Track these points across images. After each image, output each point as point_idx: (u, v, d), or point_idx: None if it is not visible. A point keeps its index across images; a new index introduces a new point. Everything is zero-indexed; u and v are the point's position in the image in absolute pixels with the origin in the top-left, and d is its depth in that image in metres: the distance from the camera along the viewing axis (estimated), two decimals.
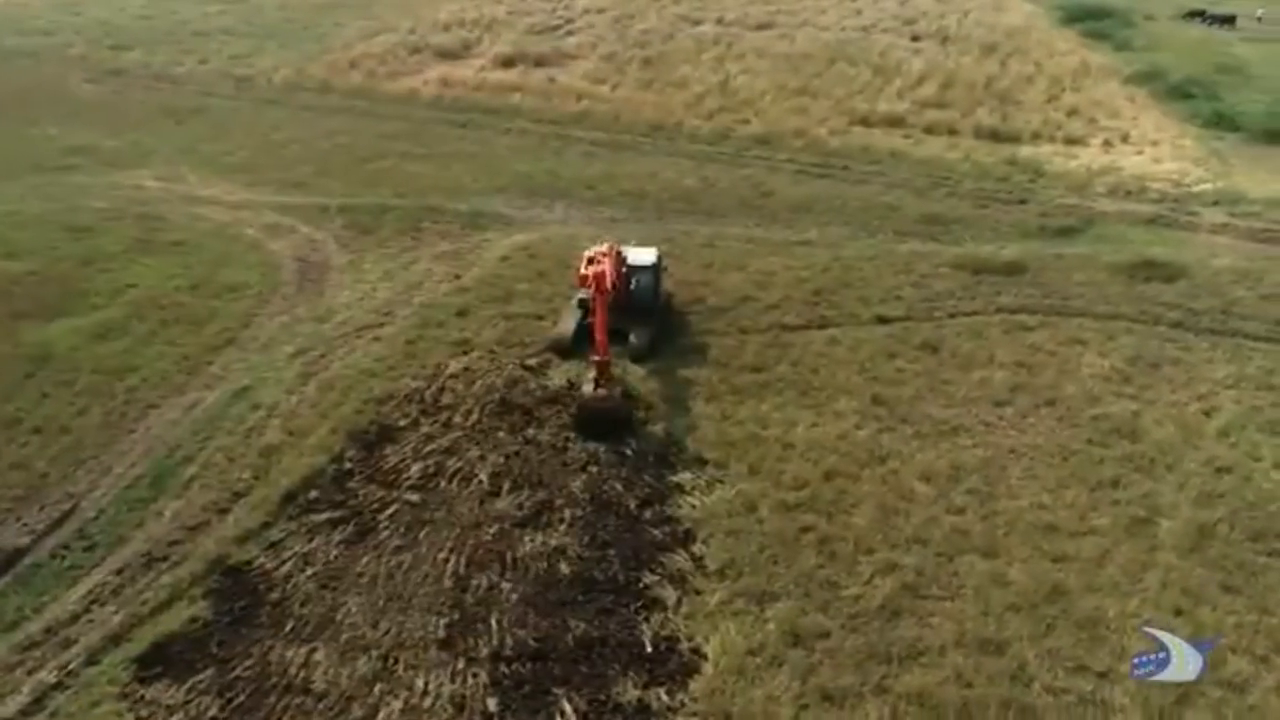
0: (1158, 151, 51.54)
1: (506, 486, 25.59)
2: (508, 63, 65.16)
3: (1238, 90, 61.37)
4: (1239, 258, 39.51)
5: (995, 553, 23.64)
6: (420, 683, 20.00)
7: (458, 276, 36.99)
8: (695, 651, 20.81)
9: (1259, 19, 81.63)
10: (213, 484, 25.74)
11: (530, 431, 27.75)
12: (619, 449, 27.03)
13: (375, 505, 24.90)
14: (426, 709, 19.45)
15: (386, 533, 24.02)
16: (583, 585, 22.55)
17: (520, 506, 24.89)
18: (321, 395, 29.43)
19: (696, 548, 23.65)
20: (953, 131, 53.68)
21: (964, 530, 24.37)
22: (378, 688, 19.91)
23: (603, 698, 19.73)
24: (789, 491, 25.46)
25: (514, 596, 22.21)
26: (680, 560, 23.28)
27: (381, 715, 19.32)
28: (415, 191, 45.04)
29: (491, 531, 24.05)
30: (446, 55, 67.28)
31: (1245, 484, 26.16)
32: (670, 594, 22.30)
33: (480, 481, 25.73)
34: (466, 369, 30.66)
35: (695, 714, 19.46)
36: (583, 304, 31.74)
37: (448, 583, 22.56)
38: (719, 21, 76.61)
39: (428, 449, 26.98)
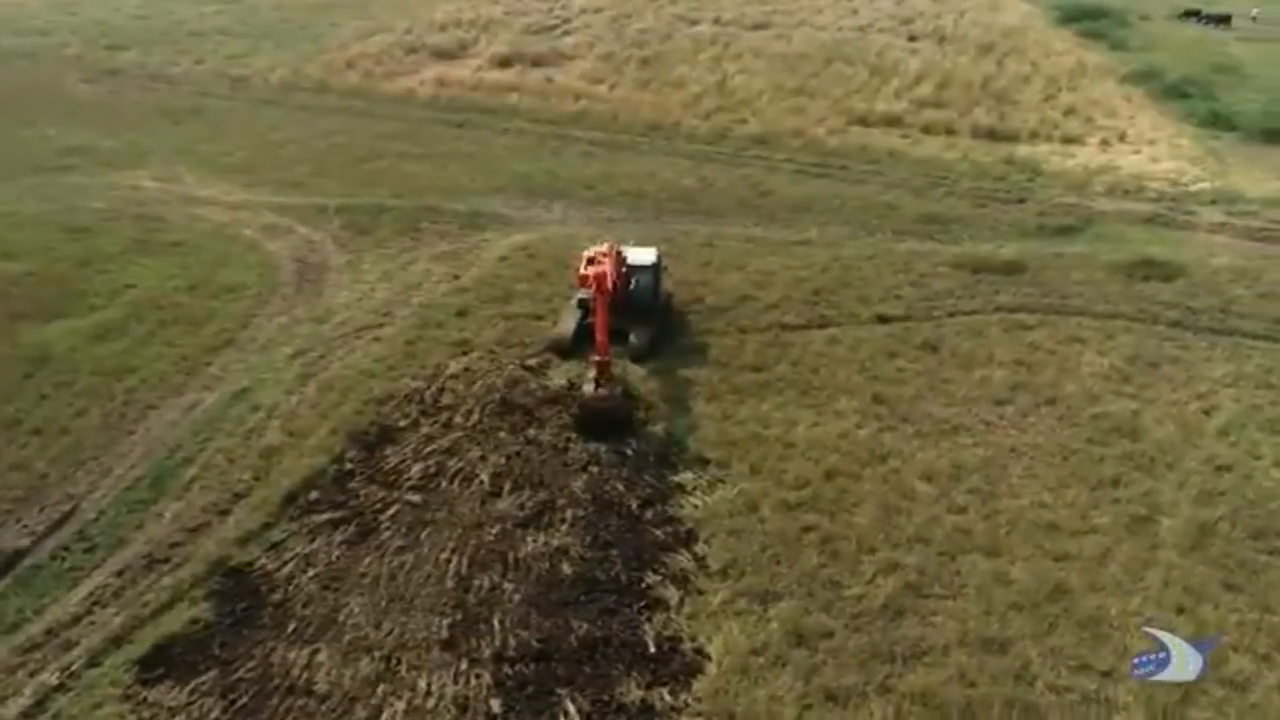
0: (1155, 151, 51.66)
1: (508, 487, 25.55)
2: (504, 63, 65.10)
3: (1234, 90, 61.53)
4: (1237, 256, 39.59)
5: (997, 552, 23.67)
6: (423, 684, 19.97)
7: (456, 277, 36.95)
8: (698, 651, 20.80)
9: (1254, 18, 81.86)
10: (213, 485, 25.67)
11: (531, 432, 27.71)
12: (620, 449, 27.00)
13: (376, 506, 24.86)
14: (430, 710, 19.42)
15: (388, 533, 23.98)
16: (585, 585, 22.53)
17: (522, 507, 24.86)
18: (321, 396, 29.37)
19: (699, 547, 23.65)
20: (950, 131, 53.74)
21: (966, 529, 24.39)
22: (381, 689, 19.88)
23: (606, 698, 19.71)
24: (791, 491, 25.45)
25: (516, 597, 22.18)
26: (683, 560, 23.27)
27: (385, 716, 19.29)
28: (413, 192, 44.97)
29: (493, 532, 24.02)
30: (443, 55, 67.19)
31: (1246, 482, 26.21)
32: (673, 594, 22.30)
33: (481, 482, 25.69)
34: (466, 369, 30.62)
35: (699, 714, 19.45)
36: (582, 304, 31.73)
37: (450, 583, 22.53)
38: (716, 21, 76.61)
39: (428, 449, 26.93)
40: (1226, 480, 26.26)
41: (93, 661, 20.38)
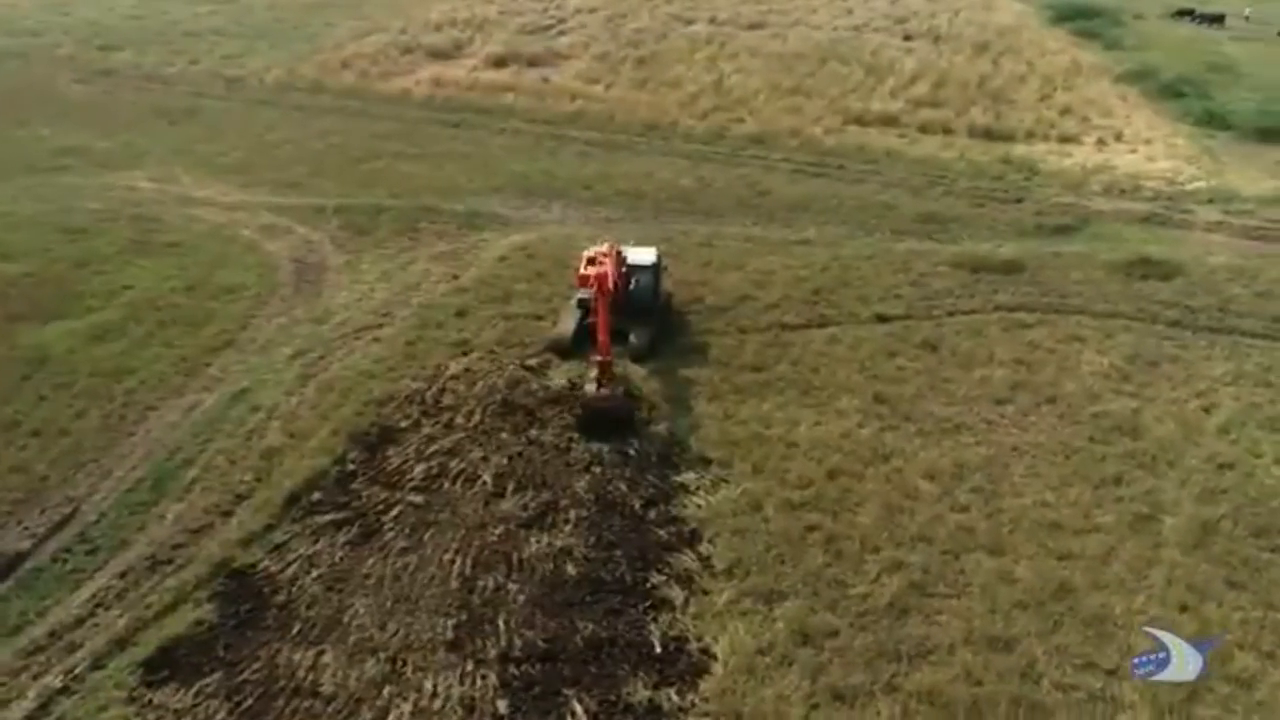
0: (1151, 150, 51.83)
1: (510, 487, 25.49)
2: (500, 63, 65.02)
3: (1228, 89, 61.71)
4: (1234, 255, 39.72)
5: (1001, 550, 23.69)
6: (429, 685, 19.91)
7: (456, 277, 36.88)
8: (704, 651, 20.77)
9: (1247, 18, 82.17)
10: (214, 486, 25.56)
11: (533, 432, 27.65)
12: (622, 449, 26.97)
13: (379, 507, 24.78)
14: (437, 711, 19.36)
15: (391, 534, 23.91)
16: (590, 586, 22.49)
17: (525, 507, 24.81)
18: (321, 397, 29.28)
19: (703, 547, 23.62)
20: (947, 130, 53.82)
21: (969, 528, 24.41)
22: (387, 690, 19.81)
23: (613, 698, 19.67)
24: (794, 490, 25.44)
25: (521, 598, 22.13)
26: (687, 560, 23.25)
27: (391, 717, 19.22)
28: (410, 192, 44.87)
29: (497, 533, 23.96)
30: (438, 55, 67.08)
31: (1247, 480, 26.28)
32: (678, 594, 22.27)
33: (484, 483, 25.62)
34: (467, 370, 30.56)
35: (707, 714, 19.43)
36: (582, 304, 31.69)
37: (454, 584, 22.47)
38: (711, 21, 76.64)
39: (430, 450, 26.86)
40: (1228, 478, 26.33)
41: (97, 664, 20.28)
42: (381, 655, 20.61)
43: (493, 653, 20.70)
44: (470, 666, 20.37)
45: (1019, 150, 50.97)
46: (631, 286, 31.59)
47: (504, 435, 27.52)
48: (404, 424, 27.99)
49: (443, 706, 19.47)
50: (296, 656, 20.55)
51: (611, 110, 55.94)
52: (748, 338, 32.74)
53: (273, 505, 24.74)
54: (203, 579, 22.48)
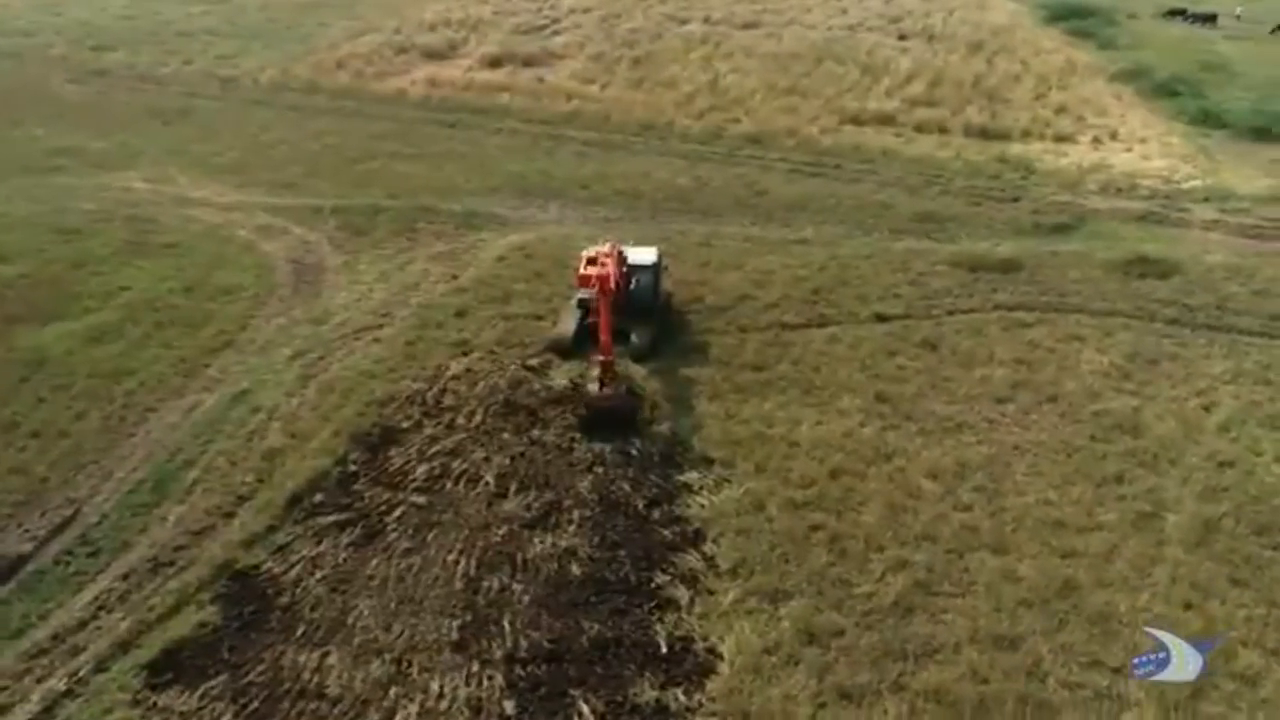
0: (1146, 149, 51.97)
1: (513, 488, 25.46)
2: (495, 63, 64.84)
3: (1222, 88, 61.89)
4: (1230, 254, 39.85)
5: (1005, 549, 23.73)
6: (436, 686, 19.88)
7: (455, 277, 36.79)
8: (711, 651, 20.78)
9: (1238, 17, 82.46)
10: (216, 488, 25.47)
11: (535, 432, 27.61)
12: (625, 449, 26.94)
13: (382, 508, 24.72)
14: (444, 712, 19.33)
15: (394, 535, 23.86)
16: (595, 586, 22.47)
17: (528, 508, 24.77)
18: (322, 398, 29.19)
19: (707, 547, 23.61)
20: (943, 130, 53.87)
21: (972, 527, 24.44)
22: (393, 691, 19.78)
23: (620, 699, 19.67)
24: (797, 490, 25.45)
25: (526, 598, 22.11)
26: (691, 560, 23.23)
27: (398, 719, 19.19)
28: (407, 192, 44.75)
29: (500, 533, 23.93)
30: (433, 55, 66.84)
31: (1248, 478, 26.36)
32: (683, 594, 22.26)
33: (487, 483, 25.58)
34: (468, 370, 30.49)
35: (714, 714, 19.43)
36: (582, 304, 31.65)
37: (459, 585, 22.43)
38: (706, 21, 76.54)
39: (432, 451, 26.81)
40: (1229, 476, 26.41)
41: (100, 667, 20.21)
42: (387, 656, 20.58)
43: (498, 653, 20.67)
44: (476, 667, 20.34)
45: (1015, 149, 51.05)
46: (632, 286, 31.53)
47: (506, 435, 27.47)
48: (405, 425, 27.93)
49: (449, 707, 19.44)
50: (301, 658, 20.50)
51: (608, 110, 55.86)
52: (748, 337, 32.73)
53: (275, 506, 24.68)
54: (206, 581, 22.41)
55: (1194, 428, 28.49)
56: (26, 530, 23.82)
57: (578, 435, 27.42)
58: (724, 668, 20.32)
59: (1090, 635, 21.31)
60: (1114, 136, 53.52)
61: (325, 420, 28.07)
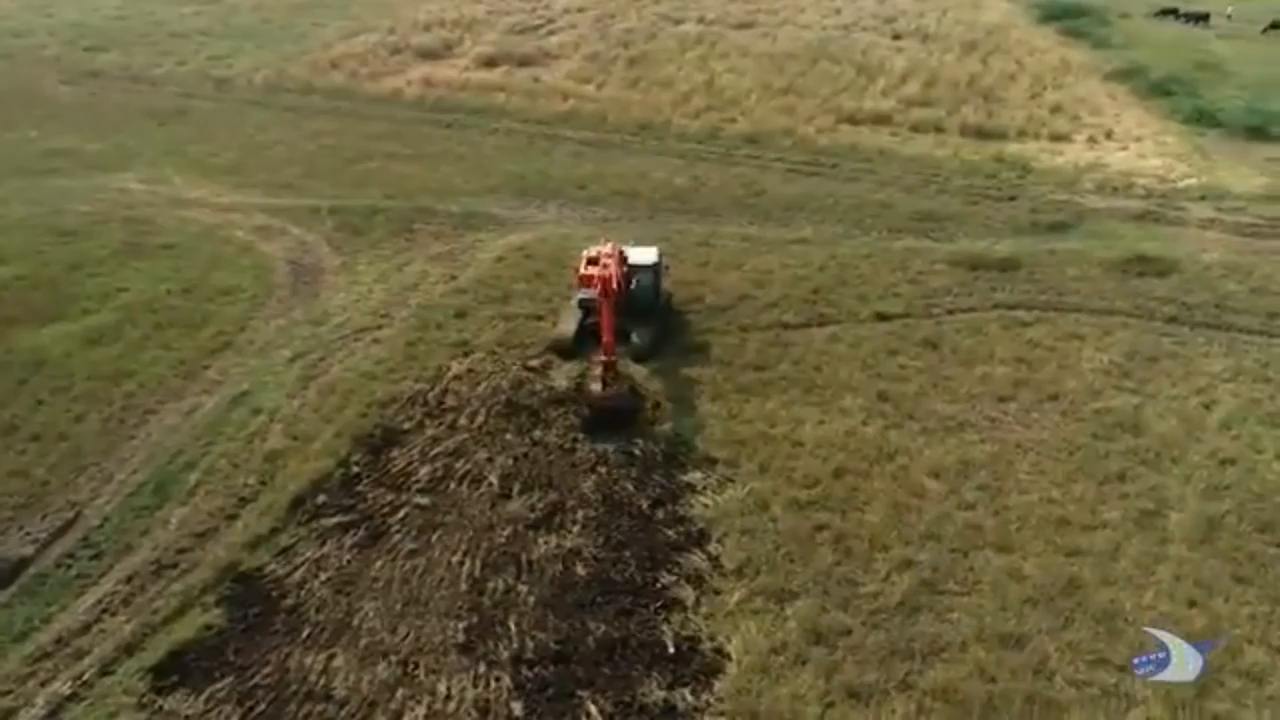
0: (1141, 148, 52.01)
1: (517, 488, 25.42)
2: (490, 63, 64.75)
3: (1215, 87, 62.03)
4: (1228, 252, 39.90)
5: (1009, 547, 23.74)
6: (443, 687, 19.85)
7: (454, 278, 36.70)
8: (718, 651, 20.77)
9: (1229, 16, 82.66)
10: (218, 490, 25.38)
11: (538, 433, 27.56)
12: (628, 449, 26.92)
13: (385, 509, 24.67)
14: (451, 714, 19.30)
15: (398, 536, 23.80)
16: (600, 587, 22.43)
17: (532, 509, 24.72)
18: (323, 399, 29.10)
19: (712, 547, 23.60)
20: (939, 129, 53.87)
21: (976, 525, 24.44)
22: (400, 693, 19.74)
23: (628, 699, 19.64)
24: (801, 489, 25.43)
25: (531, 599, 22.07)
26: (697, 560, 23.21)
27: None
28: (405, 193, 44.66)
29: (505, 534, 23.88)
30: (428, 55, 66.76)
31: (1250, 476, 26.39)
32: (689, 594, 22.25)
33: (490, 484, 25.54)
34: (469, 371, 30.44)
35: (722, 714, 19.42)
36: (583, 304, 31.60)
37: (464, 586, 22.39)
38: (700, 20, 76.55)
39: (435, 452, 26.76)
40: (1231, 474, 26.43)
41: (105, 670, 20.14)
42: (393, 658, 20.53)
43: (505, 655, 20.63)
44: (483, 669, 20.31)
45: (1011, 148, 51.05)
46: (633, 286, 31.47)
47: (508, 436, 27.43)
48: (407, 426, 27.87)
49: (457, 709, 19.41)
50: (308, 660, 20.44)
51: (604, 110, 55.79)
52: (749, 337, 32.71)
53: (278, 508, 24.61)
54: (210, 583, 22.35)
55: (1195, 426, 28.53)
56: (28, 533, 23.70)
57: (580, 436, 27.40)
58: (732, 668, 20.32)
59: (1096, 633, 21.32)
60: (1109, 136, 53.57)
61: (327, 422, 27.98)
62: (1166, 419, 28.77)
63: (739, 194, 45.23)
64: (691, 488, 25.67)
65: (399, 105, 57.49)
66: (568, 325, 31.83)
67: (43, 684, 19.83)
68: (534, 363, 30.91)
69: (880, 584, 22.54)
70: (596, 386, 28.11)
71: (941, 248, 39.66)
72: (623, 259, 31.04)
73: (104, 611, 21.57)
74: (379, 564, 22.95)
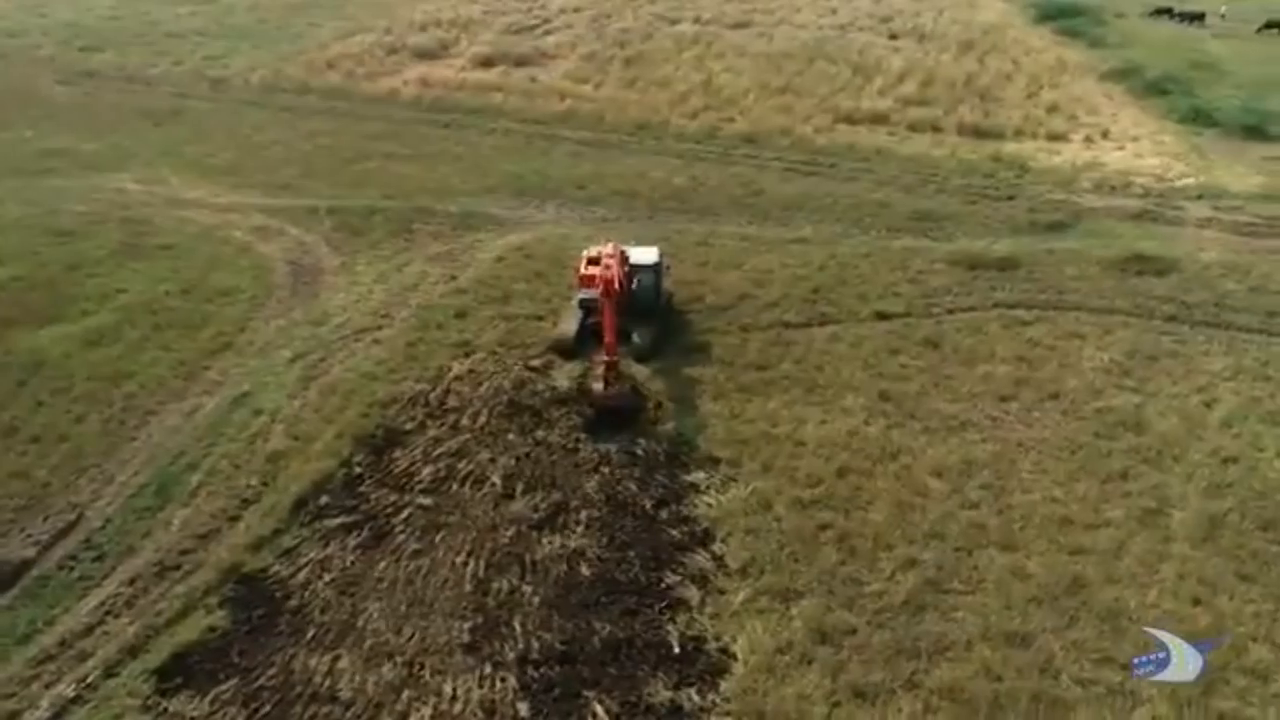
0: (1138, 147, 52.11)
1: (520, 489, 25.40)
2: (487, 62, 64.70)
3: (1211, 86, 62.16)
4: (1226, 251, 39.99)
5: (1013, 546, 23.77)
6: (448, 688, 19.81)
7: (454, 278, 36.65)
8: (724, 651, 20.77)
9: (1222, 16, 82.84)
10: (220, 491, 25.31)
11: (540, 433, 27.54)
12: (631, 449, 26.90)
13: (388, 510, 24.63)
14: (457, 714, 19.26)
15: (402, 537, 23.77)
16: (605, 587, 22.42)
17: (536, 509, 24.70)
18: (324, 400, 29.03)
19: (716, 547, 23.61)
20: (936, 129, 53.94)
21: (980, 524, 24.47)
22: (405, 694, 19.70)
23: (634, 699, 19.64)
24: (804, 489, 25.45)
25: (536, 599, 22.04)
26: (701, 559, 23.22)
27: None
28: (403, 193, 44.59)
29: (508, 534, 23.85)
30: (424, 55, 66.69)
31: (1251, 474, 26.45)
32: (693, 594, 22.25)
33: (493, 484, 25.51)
34: (471, 371, 30.39)
35: (729, 713, 19.41)
36: (584, 304, 31.57)
37: (468, 587, 22.35)
38: (696, 20, 76.57)
39: (437, 452, 26.72)
40: (1233, 472, 26.48)
41: (109, 672, 20.08)
42: (398, 659, 20.49)
43: (510, 655, 20.60)
44: (489, 669, 20.28)
45: (1009, 148, 51.13)
46: (634, 286, 31.46)
47: (511, 436, 27.39)
48: (409, 426, 27.83)
49: (463, 710, 19.37)
50: (312, 661, 20.39)
51: (602, 110, 55.76)
52: (750, 336, 32.71)
53: (280, 509, 24.56)
54: (213, 585, 22.29)
55: (1196, 424, 28.59)
56: (29, 535, 23.62)
57: (583, 435, 27.37)
58: (737, 667, 20.31)
59: (1100, 632, 21.35)
60: (1106, 135, 53.67)
61: (328, 422, 27.92)
62: (1168, 417, 28.82)
63: (737, 193, 45.22)
64: (695, 487, 25.67)
65: (396, 105, 57.42)
66: (569, 325, 31.80)
67: (47, 686, 19.77)
68: (535, 363, 30.88)
69: (885, 583, 22.56)
70: (599, 386, 28.11)
71: (940, 247, 39.68)
72: (624, 259, 31.03)
73: (107, 613, 21.50)
74: (383, 565, 22.90)
